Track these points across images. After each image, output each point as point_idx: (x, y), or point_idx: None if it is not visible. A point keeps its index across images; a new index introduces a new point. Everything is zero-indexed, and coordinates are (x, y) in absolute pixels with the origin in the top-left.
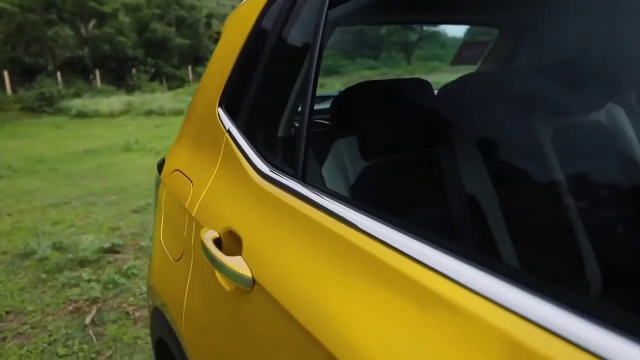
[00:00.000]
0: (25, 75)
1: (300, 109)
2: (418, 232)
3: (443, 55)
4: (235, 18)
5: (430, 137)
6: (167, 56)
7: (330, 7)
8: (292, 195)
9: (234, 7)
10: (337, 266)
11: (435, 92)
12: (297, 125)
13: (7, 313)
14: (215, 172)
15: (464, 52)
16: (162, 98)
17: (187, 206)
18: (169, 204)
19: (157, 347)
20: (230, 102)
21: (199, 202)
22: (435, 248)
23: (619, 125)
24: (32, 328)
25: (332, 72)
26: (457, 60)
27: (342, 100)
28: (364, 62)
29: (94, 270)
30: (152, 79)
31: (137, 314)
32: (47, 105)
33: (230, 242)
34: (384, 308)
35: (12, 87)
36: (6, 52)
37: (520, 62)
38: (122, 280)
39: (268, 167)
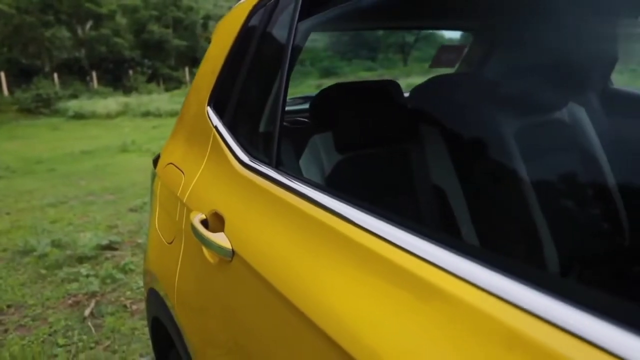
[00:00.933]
0: (22, 76)
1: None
2: (370, 208)
3: None
4: (222, 25)
5: (399, 133)
6: (164, 57)
7: (300, 19)
8: (266, 180)
9: (230, 9)
10: (304, 237)
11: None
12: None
13: (8, 306)
14: (203, 164)
15: (442, 55)
16: (159, 99)
17: (178, 194)
18: (163, 194)
19: (153, 326)
20: (218, 101)
21: (189, 190)
22: (380, 219)
23: (580, 124)
24: (33, 320)
25: (330, 74)
26: (435, 63)
27: (319, 99)
28: (362, 64)
29: (92, 266)
30: (149, 80)
31: (134, 307)
32: (43, 107)
33: (215, 222)
34: (342, 270)
35: (9, 88)
36: (3, 53)
37: (492, 64)
38: (120, 275)
39: (248, 157)
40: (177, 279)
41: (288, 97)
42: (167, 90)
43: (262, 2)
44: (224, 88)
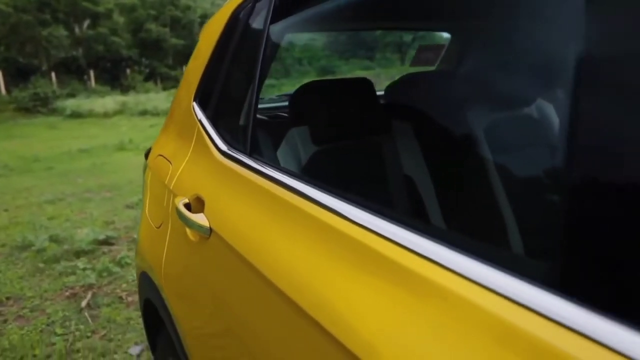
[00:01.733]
0: (19, 75)
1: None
2: (329, 188)
3: None
4: (208, 26)
5: (372, 127)
6: (162, 56)
7: (271, 22)
8: (241, 166)
9: None
10: (272, 215)
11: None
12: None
13: (7, 298)
14: (189, 154)
15: (421, 54)
16: (156, 98)
17: (166, 182)
18: (153, 183)
19: (144, 308)
20: (202, 96)
21: (175, 179)
22: (337, 197)
23: (547, 119)
24: (31, 311)
25: (327, 72)
26: (416, 62)
27: (297, 95)
28: (359, 63)
29: (89, 260)
30: (147, 79)
31: (130, 299)
32: (41, 105)
33: (197, 205)
34: (305, 243)
35: (6, 87)
36: (0, 52)
37: (466, 63)
38: (116, 269)
39: (227, 146)
40: (164, 260)
41: (275, 94)
42: (164, 89)
43: (241, 7)
44: (207, 85)
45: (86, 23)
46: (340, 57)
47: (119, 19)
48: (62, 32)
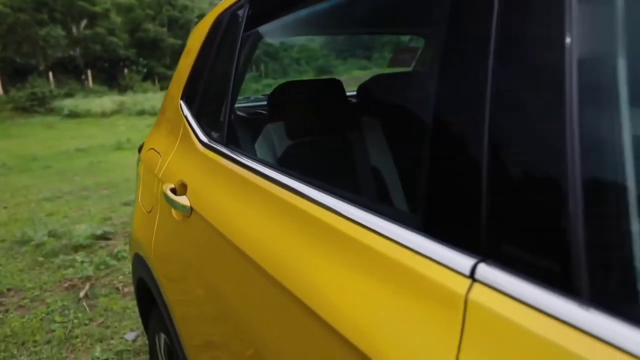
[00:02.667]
0: (17, 75)
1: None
2: (288, 171)
3: None
4: (194, 31)
5: (342, 123)
6: (159, 56)
7: (245, 31)
8: (218, 155)
9: None
10: (244, 195)
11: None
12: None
13: (8, 290)
14: (175, 147)
15: (399, 56)
16: (154, 98)
17: (156, 172)
18: (145, 174)
19: (137, 286)
20: (188, 95)
21: (164, 168)
22: (293, 178)
23: None
24: (32, 301)
25: (325, 72)
26: (392, 63)
27: (274, 94)
28: (356, 62)
29: (86, 254)
30: (144, 79)
31: (126, 289)
32: (38, 105)
33: (181, 189)
34: (268, 216)
35: (4, 87)
36: None
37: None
38: (113, 262)
39: (207, 138)
40: (153, 239)
41: (260, 94)
42: (162, 89)
43: (221, 15)
44: (193, 85)
45: (83, 23)
46: (337, 57)
47: (117, 18)
48: (59, 32)
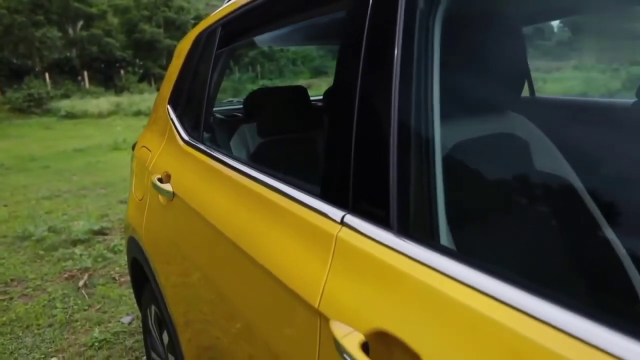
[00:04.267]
0: (13, 76)
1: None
2: (253, 165)
3: None
4: (180, 44)
5: (307, 124)
6: (155, 57)
7: (218, 48)
8: (195, 150)
9: None
10: (216, 181)
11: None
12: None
13: (12, 280)
14: (163, 144)
15: None
16: (150, 98)
17: (146, 165)
18: (138, 168)
19: (131, 266)
20: (174, 100)
21: (153, 162)
22: (259, 170)
23: None
24: (34, 290)
25: (320, 72)
26: None
27: (249, 98)
28: None
29: (85, 248)
30: (141, 80)
31: (122, 279)
32: (35, 106)
33: (166, 178)
34: (232, 198)
35: (0, 88)
36: None
37: None
38: (110, 255)
39: (188, 136)
40: (144, 222)
41: (239, 98)
42: (158, 89)
43: (201, 33)
44: (177, 92)
45: (80, 24)
46: (333, 58)
47: (113, 19)
48: (55, 33)
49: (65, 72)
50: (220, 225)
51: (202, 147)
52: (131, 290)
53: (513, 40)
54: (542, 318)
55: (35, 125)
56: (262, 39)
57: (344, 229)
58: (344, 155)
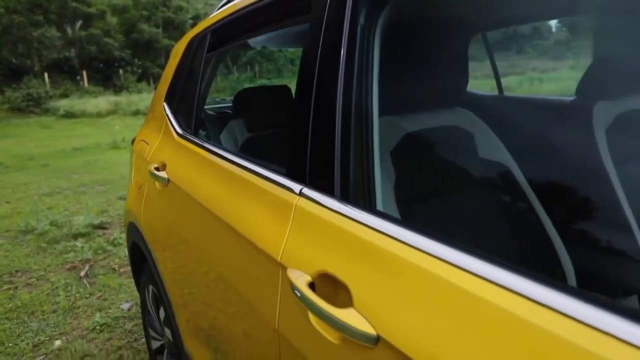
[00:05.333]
0: (12, 75)
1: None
2: (235, 153)
3: None
4: (176, 46)
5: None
6: (154, 56)
7: (207, 52)
8: (187, 142)
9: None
10: (206, 168)
11: None
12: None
13: (16, 271)
14: (160, 138)
15: None
16: (149, 98)
17: (145, 157)
18: (137, 159)
19: (131, 249)
20: (169, 98)
21: (150, 154)
22: (242, 158)
23: None
24: (38, 280)
25: None
26: None
27: (238, 97)
28: None
29: (86, 241)
30: (139, 79)
31: (121, 270)
32: (34, 106)
33: (162, 167)
34: (217, 180)
35: None
36: None
37: None
38: (110, 247)
39: (182, 130)
40: (142, 208)
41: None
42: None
43: (193, 38)
44: (172, 91)
45: (78, 24)
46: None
47: (112, 19)
48: (54, 33)
49: (64, 72)
50: (207, 204)
51: (193, 139)
52: (130, 280)
53: (452, 46)
54: (443, 257)
55: (34, 124)
56: (245, 44)
57: (301, 199)
58: (303, 143)
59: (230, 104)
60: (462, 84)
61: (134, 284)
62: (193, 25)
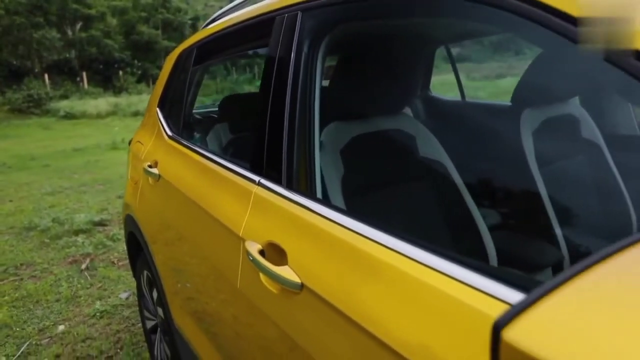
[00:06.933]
0: (12, 77)
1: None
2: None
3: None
4: (169, 56)
5: None
6: (153, 58)
7: (193, 65)
8: (176, 142)
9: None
10: (191, 166)
11: None
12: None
13: (21, 264)
14: (153, 139)
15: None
16: (148, 99)
17: (140, 156)
18: (133, 159)
19: (128, 239)
20: (162, 103)
21: (145, 153)
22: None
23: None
24: (42, 272)
25: None
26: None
27: (223, 102)
28: None
29: (86, 236)
30: (139, 81)
31: (120, 263)
32: (34, 107)
33: (154, 164)
34: (196, 173)
35: (0, 89)
36: None
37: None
38: (109, 243)
39: (171, 133)
40: (137, 200)
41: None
42: None
43: (183, 51)
44: (164, 97)
45: (78, 25)
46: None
47: (112, 20)
48: (54, 34)
49: (64, 73)
50: (190, 194)
51: (181, 140)
52: (128, 272)
53: (394, 61)
54: (352, 228)
55: (35, 125)
56: (225, 60)
57: (259, 187)
58: (261, 143)
59: (216, 108)
60: (410, 92)
61: (131, 275)
62: (192, 26)
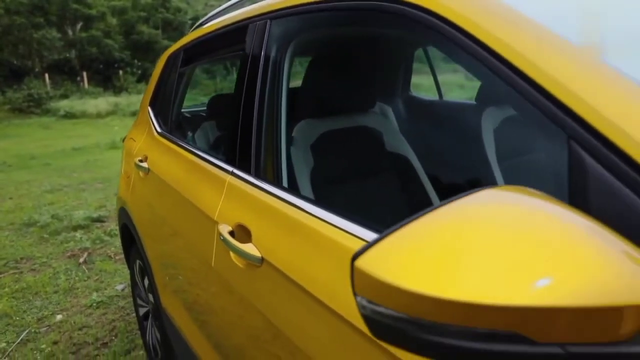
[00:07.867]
0: (13, 76)
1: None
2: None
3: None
4: (158, 62)
5: None
6: (153, 57)
7: (181, 67)
8: (164, 138)
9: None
10: (180, 159)
11: None
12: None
13: (21, 258)
14: (144, 137)
15: None
16: None
17: (132, 152)
18: (126, 155)
19: (122, 231)
20: (153, 103)
21: (136, 149)
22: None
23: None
24: (41, 266)
25: None
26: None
27: (210, 101)
28: None
29: (85, 232)
30: (139, 80)
31: (117, 257)
32: (34, 106)
33: (145, 159)
34: (179, 164)
35: (0, 89)
36: None
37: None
38: (107, 238)
39: (161, 130)
40: (130, 193)
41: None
42: None
43: (172, 53)
44: (155, 97)
45: (79, 25)
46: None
47: (112, 20)
48: (54, 34)
49: (64, 73)
50: (174, 185)
51: (168, 136)
52: (124, 265)
53: (361, 63)
54: (309, 211)
55: (35, 125)
56: (209, 62)
57: (232, 177)
58: (234, 137)
59: (204, 107)
60: (380, 91)
61: (127, 268)
62: (192, 26)
